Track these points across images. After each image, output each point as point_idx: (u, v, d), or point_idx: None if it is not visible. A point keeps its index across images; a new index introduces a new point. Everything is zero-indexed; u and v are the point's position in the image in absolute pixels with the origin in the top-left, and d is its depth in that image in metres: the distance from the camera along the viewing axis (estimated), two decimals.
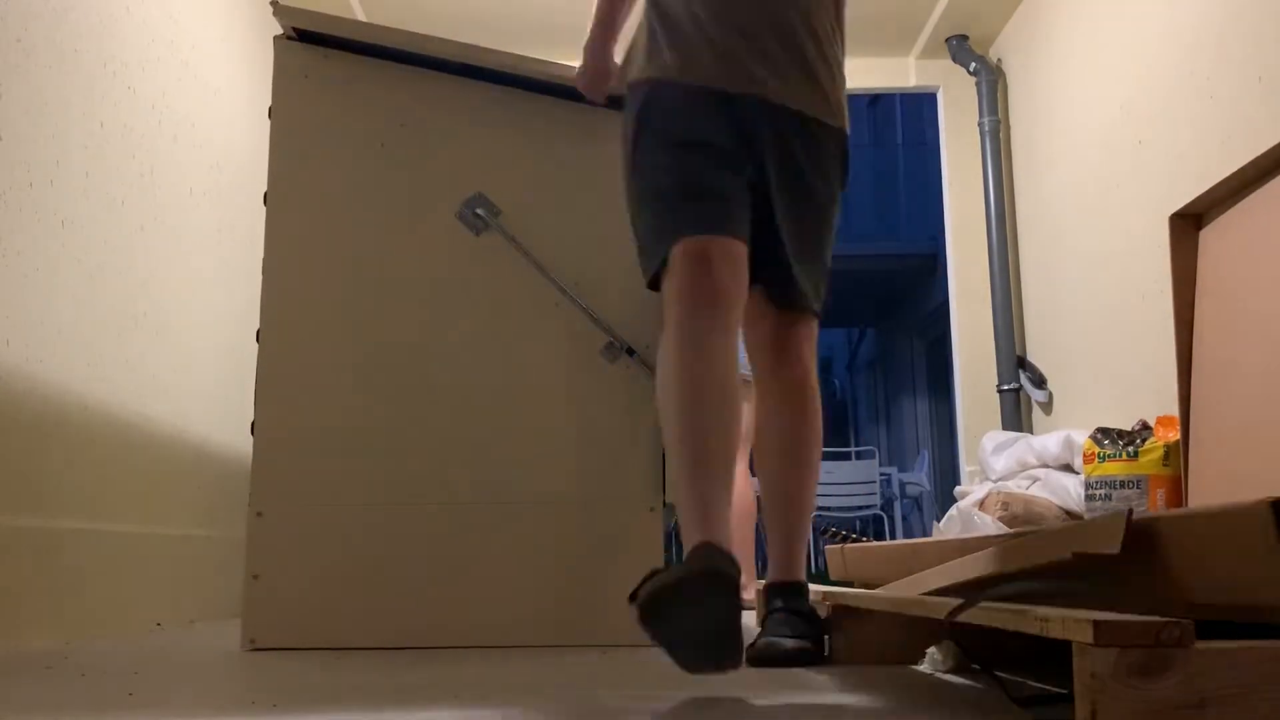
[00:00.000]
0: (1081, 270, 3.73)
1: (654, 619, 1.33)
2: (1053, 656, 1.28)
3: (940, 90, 4.73)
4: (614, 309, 2.31)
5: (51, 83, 2.42)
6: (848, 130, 1.97)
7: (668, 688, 1.49)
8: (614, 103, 2.37)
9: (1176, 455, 2.47)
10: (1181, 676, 0.96)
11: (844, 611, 1.79)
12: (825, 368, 16.60)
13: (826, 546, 2.87)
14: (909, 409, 11.71)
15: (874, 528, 7.24)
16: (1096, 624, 0.96)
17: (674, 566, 1.37)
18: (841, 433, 13.97)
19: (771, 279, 1.89)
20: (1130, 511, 1.28)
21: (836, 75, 1.95)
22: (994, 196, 4.42)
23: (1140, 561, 1.31)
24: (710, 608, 1.33)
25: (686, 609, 1.32)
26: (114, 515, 2.68)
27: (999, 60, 4.55)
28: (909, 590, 1.86)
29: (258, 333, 2.27)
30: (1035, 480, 3.24)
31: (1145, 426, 2.67)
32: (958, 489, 3.90)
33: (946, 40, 4.56)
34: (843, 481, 7.09)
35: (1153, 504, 2.51)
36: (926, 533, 6.31)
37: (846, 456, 7.48)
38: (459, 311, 2.30)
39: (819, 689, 1.46)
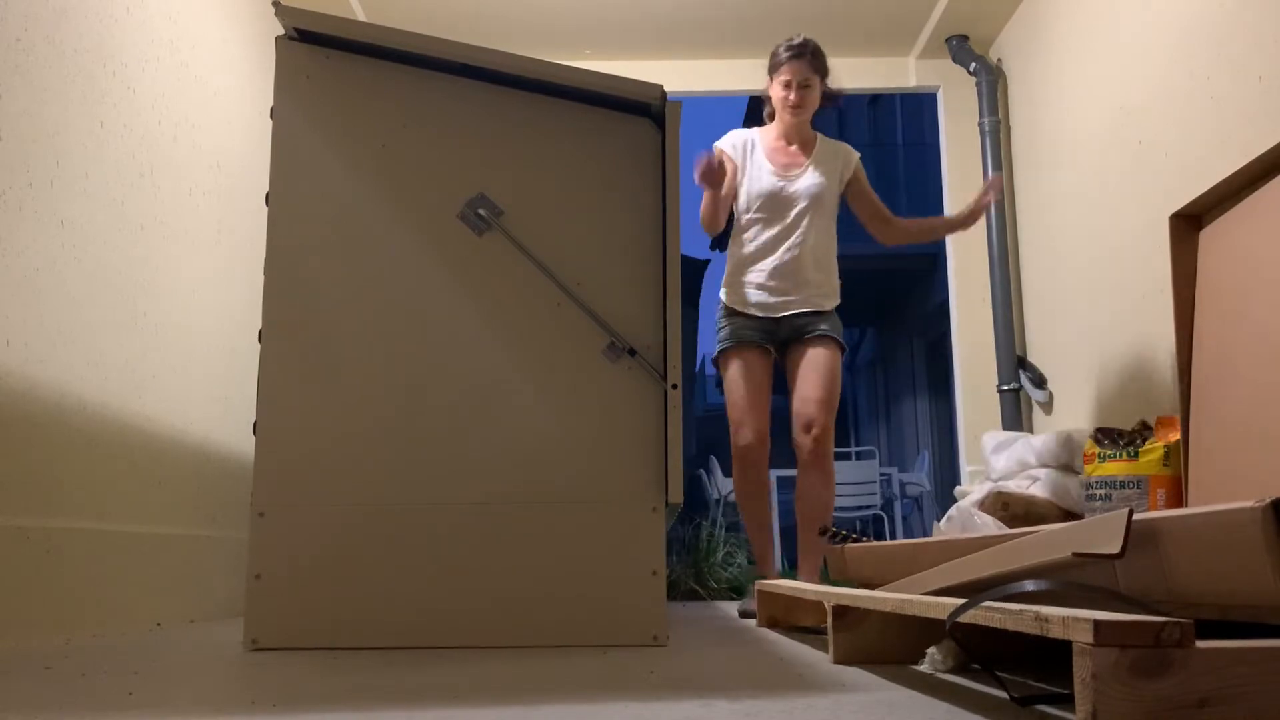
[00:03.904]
0: (1081, 270, 3.73)
1: None
2: (1053, 656, 1.28)
3: (940, 90, 4.73)
4: (616, 309, 2.31)
5: (51, 83, 2.42)
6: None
7: (667, 688, 1.49)
8: (638, 109, 2.37)
9: (1177, 455, 2.47)
10: (1181, 676, 0.96)
11: (844, 611, 1.79)
12: None
13: (827, 546, 2.87)
14: (909, 409, 11.71)
15: (874, 528, 7.24)
16: (1097, 624, 0.96)
17: None
18: (842, 433, 13.96)
19: None
20: (1131, 512, 1.29)
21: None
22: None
23: (1141, 562, 1.31)
24: None
25: None
26: (114, 515, 2.68)
27: (999, 60, 4.55)
28: (909, 590, 1.86)
29: (260, 333, 2.27)
30: (1035, 480, 3.24)
31: (1145, 426, 2.67)
32: (958, 489, 3.90)
33: (946, 40, 4.56)
34: (843, 481, 7.08)
35: (1153, 504, 2.51)
36: (927, 533, 6.31)
37: (847, 457, 7.48)
38: (461, 312, 2.30)
39: (819, 688, 1.47)
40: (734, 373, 3.21)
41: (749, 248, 3.25)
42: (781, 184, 3.23)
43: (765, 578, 3.14)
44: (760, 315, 3.21)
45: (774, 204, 3.22)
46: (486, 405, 2.27)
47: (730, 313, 3.26)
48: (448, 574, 2.20)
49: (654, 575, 2.23)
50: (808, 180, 3.25)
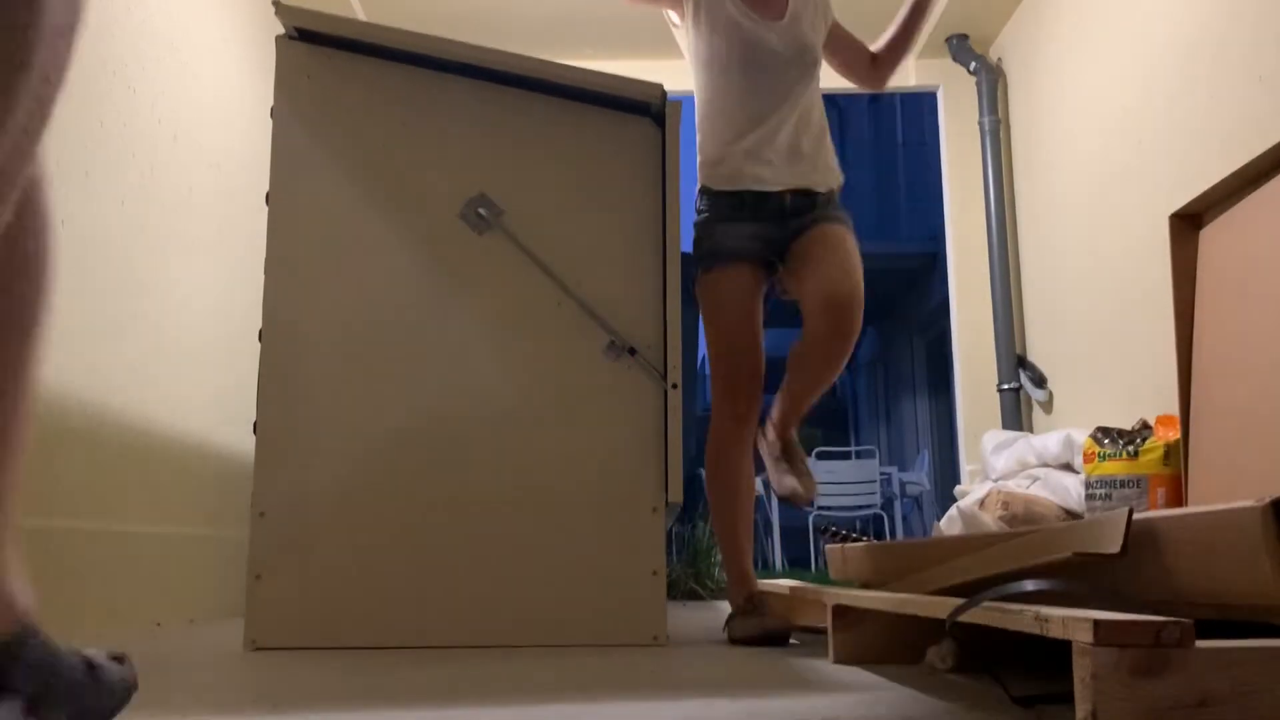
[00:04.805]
0: (1081, 269, 3.73)
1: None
2: (1053, 656, 1.28)
3: (940, 90, 4.73)
4: (616, 309, 2.31)
5: None
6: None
7: (667, 688, 1.49)
8: (638, 109, 2.37)
9: (1177, 454, 2.47)
10: (1181, 676, 0.96)
11: (844, 611, 1.79)
12: None
13: (826, 546, 2.87)
14: (909, 408, 11.71)
15: (874, 527, 7.24)
16: (1096, 624, 0.96)
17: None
18: (842, 432, 13.96)
19: None
20: (1131, 511, 1.29)
21: None
22: (994, 196, 4.42)
23: (1140, 561, 1.31)
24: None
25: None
26: (114, 515, 2.68)
27: (999, 60, 4.55)
28: (909, 590, 1.86)
29: (260, 332, 2.27)
30: (1035, 480, 3.24)
31: (1145, 426, 2.67)
32: (958, 488, 3.91)
33: (946, 40, 4.56)
34: (843, 481, 7.08)
35: (1153, 503, 2.51)
36: (927, 532, 6.31)
37: (847, 456, 7.48)
38: (461, 311, 2.30)
39: (819, 688, 1.47)
40: (723, 294, 2.43)
41: (732, 114, 2.45)
42: (763, 34, 2.44)
43: (750, 599, 2.37)
44: (758, 193, 2.41)
45: (757, 59, 2.42)
46: (486, 405, 2.27)
47: (715, 203, 2.46)
48: (448, 574, 2.20)
49: (654, 575, 2.23)
50: (795, 35, 2.47)
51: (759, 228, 2.42)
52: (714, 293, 2.44)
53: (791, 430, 2.50)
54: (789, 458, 2.47)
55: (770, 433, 2.49)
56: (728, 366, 2.42)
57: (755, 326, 2.45)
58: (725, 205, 2.44)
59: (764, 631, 2.25)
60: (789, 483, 2.41)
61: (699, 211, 2.50)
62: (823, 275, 2.35)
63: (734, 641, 2.29)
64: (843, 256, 2.39)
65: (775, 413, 2.50)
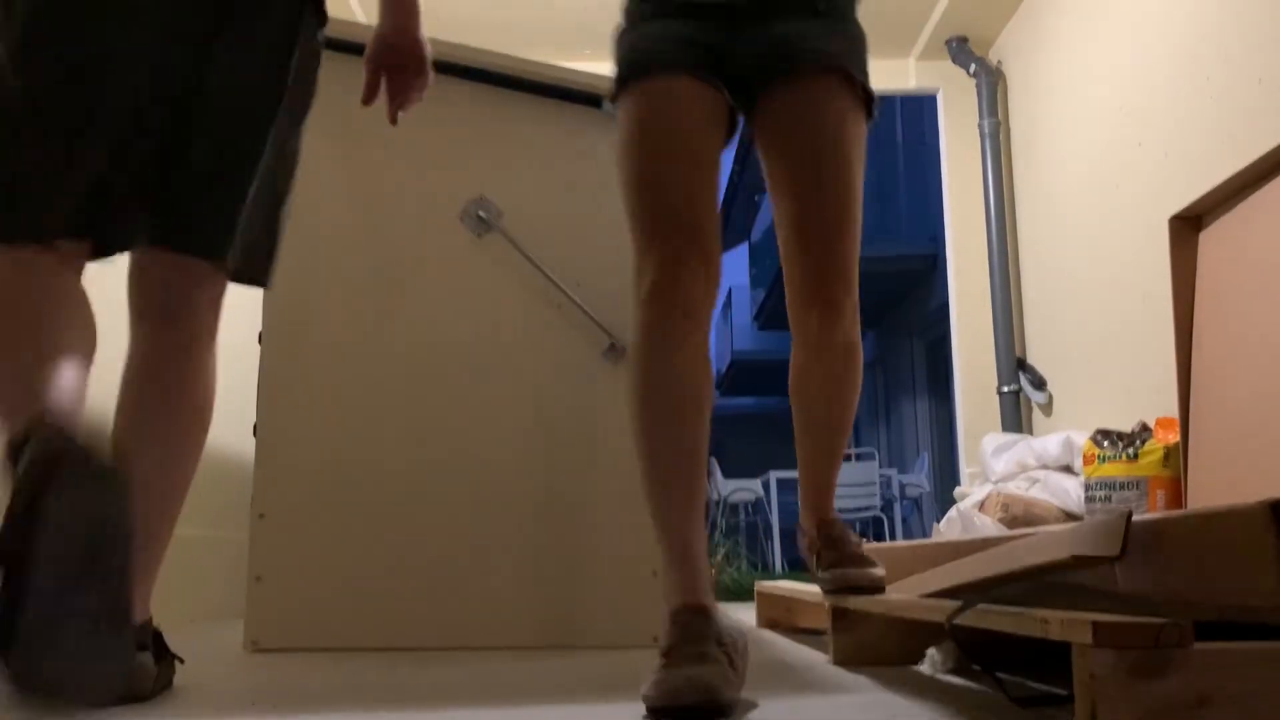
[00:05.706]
0: (1081, 272, 3.73)
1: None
2: (1053, 657, 1.29)
3: (940, 92, 4.73)
4: (616, 311, 2.31)
5: None
6: None
7: None
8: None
9: (1176, 457, 2.47)
10: (1181, 677, 0.96)
11: (844, 613, 1.79)
12: None
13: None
14: (909, 410, 11.71)
15: (874, 529, 7.24)
16: (1096, 625, 0.96)
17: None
18: None
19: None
20: (1130, 513, 1.29)
21: None
22: (994, 198, 4.42)
23: (1140, 562, 1.31)
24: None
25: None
26: None
27: (999, 62, 4.55)
28: (909, 592, 1.86)
29: (260, 334, 2.27)
30: (1035, 482, 3.24)
31: (1145, 428, 2.67)
32: (958, 490, 3.90)
33: (946, 42, 4.57)
34: (843, 483, 7.08)
35: (1153, 505, 2.51)
36: (926, 534, 6.31)
37: (846, 458, 7.49)
38: (461, 313, 2.30)
39: (820, 690, 1.47)
40: (638, 123, 1.55)
41: None
42: None
43: (681, 612, 1.34)
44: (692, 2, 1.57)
45: None
46: (486, 406, 2.27)
47: (629, 6, 1.73)
48: (447, 576, 2.20)
49: (654, 576, 2.23)
50: None
51: (692, 27, 1.58)
52: (628, 122, 1.56)
53: (830, 512, 1.83)
54: (835, 547, 1.76)
55: (806, 524, 1.88)
56: (642, 222, 1.49)
57: (693, 166, 1.51)
58: (641, 4, 1.69)
59: (675, 700, 1.18)
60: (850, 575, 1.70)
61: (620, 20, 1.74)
62: (809, 234, 1.68)
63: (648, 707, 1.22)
64: (832, 193, 1.66)
65: (801, 496, 1.88)
